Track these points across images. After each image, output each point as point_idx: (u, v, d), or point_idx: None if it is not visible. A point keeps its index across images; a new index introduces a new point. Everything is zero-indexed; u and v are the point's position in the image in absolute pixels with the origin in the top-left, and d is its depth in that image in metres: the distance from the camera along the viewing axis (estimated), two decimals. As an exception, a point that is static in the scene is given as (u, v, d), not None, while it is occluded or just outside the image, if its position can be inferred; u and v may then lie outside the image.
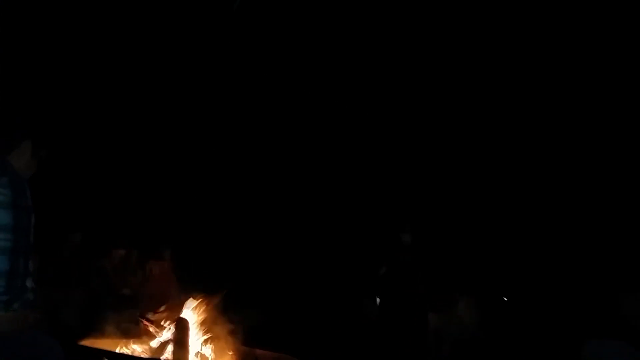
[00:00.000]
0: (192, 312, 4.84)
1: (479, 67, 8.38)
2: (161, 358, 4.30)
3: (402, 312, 5.99)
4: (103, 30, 8.36)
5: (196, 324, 4.77)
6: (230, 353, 4.70)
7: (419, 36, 8.13)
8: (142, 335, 4.78)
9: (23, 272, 1.80)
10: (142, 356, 4.44)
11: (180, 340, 4.36)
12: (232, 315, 4.99)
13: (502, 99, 8.60)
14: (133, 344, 4.67)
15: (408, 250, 6.72)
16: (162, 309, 5.00)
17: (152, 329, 4.76)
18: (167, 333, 4.61)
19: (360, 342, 6.42)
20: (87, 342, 4.37)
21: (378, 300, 6.77)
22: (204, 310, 4.88)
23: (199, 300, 4.94)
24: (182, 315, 4.69)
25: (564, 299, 7.32)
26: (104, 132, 9.60)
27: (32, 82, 7.82)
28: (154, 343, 4.59)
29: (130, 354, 4.46)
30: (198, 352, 4.52)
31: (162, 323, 4.77)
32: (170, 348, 4.40)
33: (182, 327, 4.45)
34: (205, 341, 4.71)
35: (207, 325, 4.83)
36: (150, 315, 4.91)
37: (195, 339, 4.65)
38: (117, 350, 4.41)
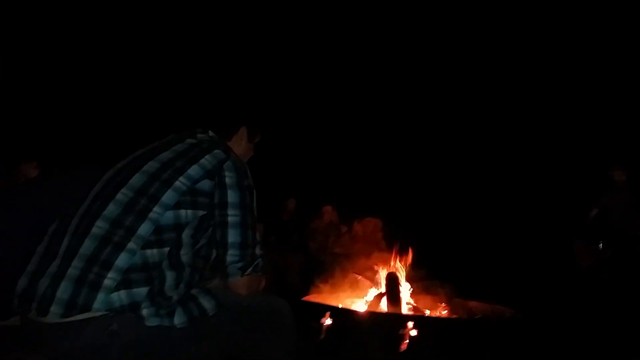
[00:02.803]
0: (403, 266, 5.02)
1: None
2: (377, 310, 4.51)
3: (620, 254, 5.61)
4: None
5: (407, 277, 4.95)
6: (443, 304, 4.80)
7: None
8: (358, 290, 5.05)
9: (252, 242, 1.99)
10: (359, 310, 4.69)
11: (392, 293, 4.54)
12: (444, 268, 5.07)
13: None
14: (351, 298, 4.95)
15: (621, 188, 6.26)
16: (374, 264, 5.21)
17: (366, 283, 5.00)
18: (380, 287, 4.81)
19: (574, 290, 6.13)
20: (309, 299, 4.74)
21: (601, 245, 6.41)
22: (414, 264, 5.04)
23: (408, 254, 5.10)
24: (392, 270, 4.90)
25: None
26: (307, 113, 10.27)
27: (245, 75, 8.59)
28: (369, 297, 4.82)
29: (349, 308, 4.73)
30: (410, 303, 4.69)
31: (375, 278, 5.00)
32: (384, 301, 4.59)
33: (392, 281, 4.63)
34: (416, 293, 4.87)
35: (418, 278, 4.98)
36: (363, 271, 5.16)
37: (407, 291, 4.82)
38: (337, 305, 4.70)
